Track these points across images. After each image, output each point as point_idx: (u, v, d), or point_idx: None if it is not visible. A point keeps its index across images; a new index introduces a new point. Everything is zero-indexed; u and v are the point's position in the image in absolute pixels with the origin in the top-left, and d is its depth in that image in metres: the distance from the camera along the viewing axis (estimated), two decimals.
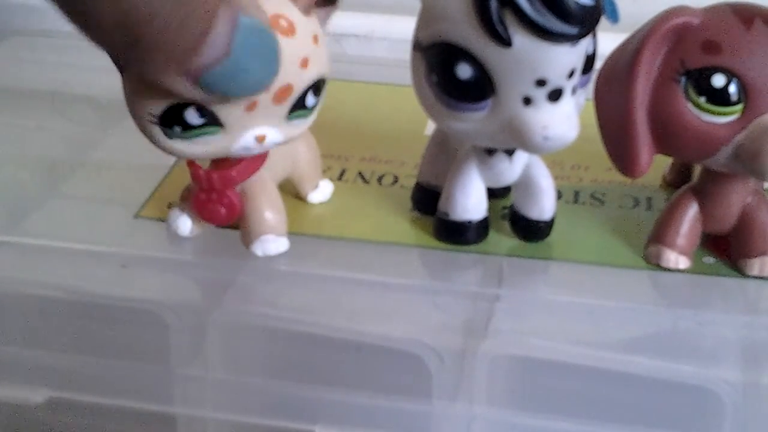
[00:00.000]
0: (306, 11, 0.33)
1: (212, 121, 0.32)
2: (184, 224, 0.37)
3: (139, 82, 0.31)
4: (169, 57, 0.28)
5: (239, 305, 0.34)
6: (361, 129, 0.45)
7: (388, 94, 0.49)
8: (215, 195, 0.35)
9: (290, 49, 0.31)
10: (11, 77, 0.51)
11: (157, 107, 0.31)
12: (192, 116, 0.31)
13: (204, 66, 0.28)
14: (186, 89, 0.29)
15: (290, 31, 0.32)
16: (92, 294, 0.35)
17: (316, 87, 0.33)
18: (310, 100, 0.33)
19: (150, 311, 0.34)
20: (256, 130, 0.33)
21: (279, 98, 0.32)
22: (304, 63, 0.32)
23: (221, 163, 0.35)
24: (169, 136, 0.32)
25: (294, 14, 0.32)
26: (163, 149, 0.33)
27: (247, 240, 0.36)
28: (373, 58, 0.53)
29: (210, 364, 0.34)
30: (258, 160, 0.35)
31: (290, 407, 0.34)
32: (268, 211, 0.36)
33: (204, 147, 0.33)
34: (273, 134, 0.33)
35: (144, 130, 0.32)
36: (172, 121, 0.32)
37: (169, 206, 0.38)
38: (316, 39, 0.33)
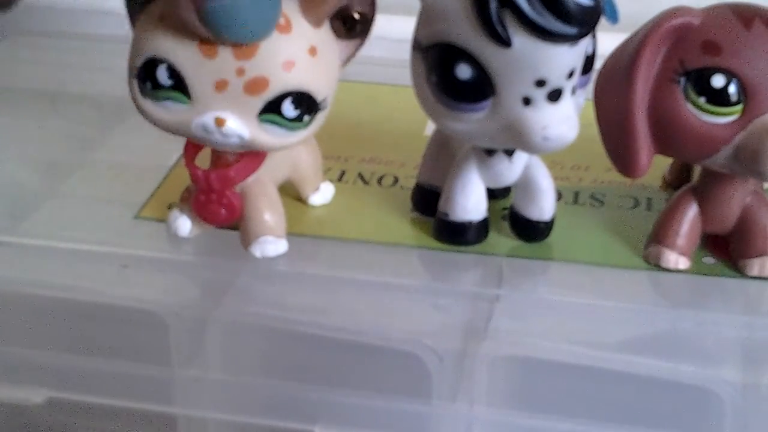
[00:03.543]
0: (316, 23, 0.33)
1: (180, 87, 0.32)
2: (184, 225, 0.37)
3: (143, 24, 0.32)
4: None
5: (239, 305, 0.34)
6: (361, 129, 0.45)
7: (388, 94, 0.49)
8: (215, 196, 0.35)
9: (277, 45, 0.32)
10: (11, 77, 0.51)
11: (140, 59, 0.32)
12: (162, 74, 0.32)
13: None
14: (188, 11, 0.31)
15: (285, 29, 0.32)
16: (92, 294, 0.35)
17: (299, 100, 0.33)
18: (287, 109, 0.33)
19: (150, 311, 0.34)
20: (219, 112, 0.33)
21: (251, 88, 0.32)
22: (288, 65, 0.32)
23: (219, 163, 0.35)
24: (142, 92, 0.33)
25: (296, 17, 0.32)
26: (136, 105, 0.34)
27: (246, 241, 0.36)
28: (373, 58, 0.53)
29: (210, 364, 0.34)
30: (256, 160, 0.35)
31: (290, 407, 0.34)
32: (268, 212, 0.36)
33: (167, 114, 0.33)
34: (235, 124, 0.33)
35: (129, 85, 0.33)
36: (147, 76, 0.33)
37: (169, 207, 0.38)
38: (313, 51, 0.33)
